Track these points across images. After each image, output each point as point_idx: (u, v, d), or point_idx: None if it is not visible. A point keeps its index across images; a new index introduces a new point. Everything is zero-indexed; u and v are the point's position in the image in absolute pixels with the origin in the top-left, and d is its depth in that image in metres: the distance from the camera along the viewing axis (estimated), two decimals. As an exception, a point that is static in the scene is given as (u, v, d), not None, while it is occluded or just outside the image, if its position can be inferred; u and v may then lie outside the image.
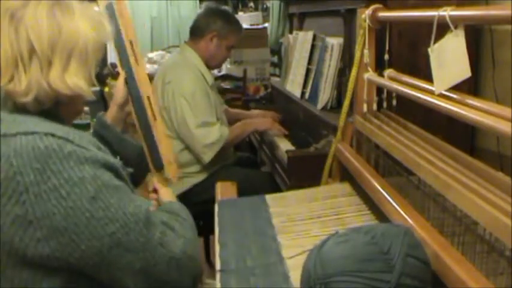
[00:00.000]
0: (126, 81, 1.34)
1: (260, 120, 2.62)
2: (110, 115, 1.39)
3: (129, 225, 0.99)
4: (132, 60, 1.31)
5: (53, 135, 0.97)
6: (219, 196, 1.77)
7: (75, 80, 1.02)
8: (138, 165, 1.35)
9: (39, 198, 0.93)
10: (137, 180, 1.37)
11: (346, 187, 1.64)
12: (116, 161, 1.07)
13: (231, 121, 2.65)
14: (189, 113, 2.33)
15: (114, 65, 5.06)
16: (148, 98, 1.32)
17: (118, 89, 1.38)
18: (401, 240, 0.92)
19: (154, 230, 1.04)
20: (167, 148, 1.36)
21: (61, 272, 0.98)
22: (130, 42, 1.31)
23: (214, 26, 2.49)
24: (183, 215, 1.18)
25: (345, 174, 1.68)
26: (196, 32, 2.53)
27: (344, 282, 0.89)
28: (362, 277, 0.88)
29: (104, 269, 0.99)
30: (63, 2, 1.06)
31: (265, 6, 5.52)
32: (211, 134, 2.34)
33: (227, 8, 2.92)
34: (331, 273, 0.91)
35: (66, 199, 0.94)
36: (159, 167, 1.34)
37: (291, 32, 3.08)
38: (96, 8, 1.17)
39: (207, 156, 2.35)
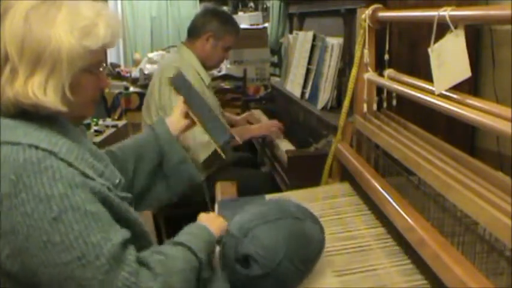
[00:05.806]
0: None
1: (257, 126, 2.62)
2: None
3: (87, 258, 0.88)
4: None
5: (36, 147, 0.91)
6: (219, 196, 1.77)
7: (37, 91, 0.95)
8: (176, 171, 1.39)
9: (9, 212, 0.89)
10: (174, 189, 1.41)
11: (346, 187, 1.63)
12: (103, 183, 0.98)
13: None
14: None
15: (113, 65, 5.05)
16: None
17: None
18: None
19: (121, 269, 0.91)
20: None
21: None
22: None
23: (210, 27, 2.49)
24: (172, 252, 1.04)
25: (345, 174, 1.68)
26: (193, 32, 2.53)
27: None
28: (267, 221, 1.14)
29: None
30: (48, 2, 0.98)
31: (265, 6, 5.53)
32: None
33: (225, 9, 2.92)
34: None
35: (29, 216, 0.88)
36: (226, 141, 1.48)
37: (291, 32, 3.08)
38: (100, 7, 1.05)
39: (203, 155, 2.34)
